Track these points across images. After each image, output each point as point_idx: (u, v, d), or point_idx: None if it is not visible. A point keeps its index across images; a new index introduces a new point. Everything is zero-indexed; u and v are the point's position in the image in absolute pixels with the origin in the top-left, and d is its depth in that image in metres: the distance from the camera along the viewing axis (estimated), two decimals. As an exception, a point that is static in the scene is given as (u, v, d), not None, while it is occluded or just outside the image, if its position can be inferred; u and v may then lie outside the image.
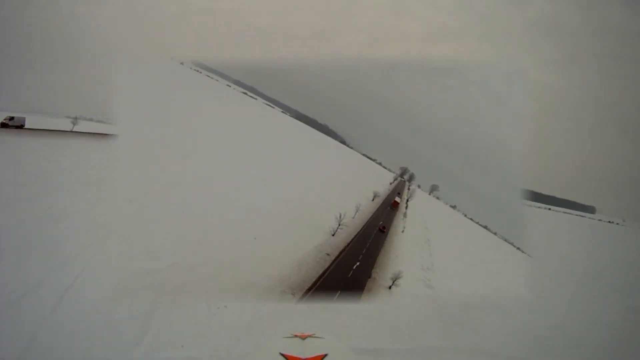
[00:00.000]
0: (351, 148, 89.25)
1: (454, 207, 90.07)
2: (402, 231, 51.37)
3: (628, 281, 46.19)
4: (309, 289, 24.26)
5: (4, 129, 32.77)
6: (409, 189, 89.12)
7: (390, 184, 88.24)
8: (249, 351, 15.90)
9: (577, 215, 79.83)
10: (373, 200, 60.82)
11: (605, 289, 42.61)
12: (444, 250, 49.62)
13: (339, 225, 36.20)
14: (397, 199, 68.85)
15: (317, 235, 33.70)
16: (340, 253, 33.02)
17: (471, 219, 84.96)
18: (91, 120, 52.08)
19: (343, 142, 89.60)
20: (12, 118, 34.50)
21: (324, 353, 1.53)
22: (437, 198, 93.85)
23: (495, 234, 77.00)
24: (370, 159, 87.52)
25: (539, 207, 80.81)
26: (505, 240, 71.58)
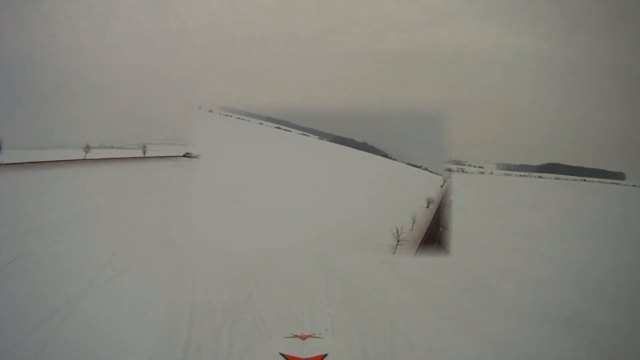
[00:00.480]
0: (394, 160, 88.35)
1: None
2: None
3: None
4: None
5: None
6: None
7: (441, 186, 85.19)
8: None
9: (611, 183, 72.35)
10: (428, 207, 59.25)
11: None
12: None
13: (398, 241, 35.31)
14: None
15: (378, 256, 33.72)
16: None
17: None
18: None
19: (385, 155, 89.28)
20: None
21: (324, 353, 1.52)
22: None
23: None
24: (416, 166, 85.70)
25: (574, 180, 74.71)
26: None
